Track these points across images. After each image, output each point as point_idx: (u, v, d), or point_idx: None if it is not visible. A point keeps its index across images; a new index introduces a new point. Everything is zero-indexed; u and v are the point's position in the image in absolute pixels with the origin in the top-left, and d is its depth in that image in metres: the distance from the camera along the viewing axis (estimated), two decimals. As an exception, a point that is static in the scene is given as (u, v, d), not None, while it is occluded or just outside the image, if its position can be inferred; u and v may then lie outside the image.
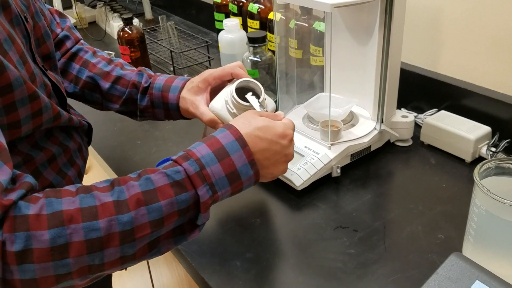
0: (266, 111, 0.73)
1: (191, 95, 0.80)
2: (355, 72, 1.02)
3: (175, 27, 1.36)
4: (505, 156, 0.93)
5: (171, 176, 0.54)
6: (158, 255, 0.56)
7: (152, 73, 0.89)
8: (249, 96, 0.74)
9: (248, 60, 1.24)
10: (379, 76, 0.96)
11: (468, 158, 0.96)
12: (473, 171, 0.67)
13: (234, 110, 0.74)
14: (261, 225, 0.86)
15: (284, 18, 1.21)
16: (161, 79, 0.86)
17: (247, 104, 0.74)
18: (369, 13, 0.93)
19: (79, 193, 0.51)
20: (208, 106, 0.78)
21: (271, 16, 1.37)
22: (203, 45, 1.43)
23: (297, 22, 1.21)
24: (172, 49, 1.37)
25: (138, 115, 0.89)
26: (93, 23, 2.04)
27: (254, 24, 1.43)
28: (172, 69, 1.42)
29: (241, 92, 0.75)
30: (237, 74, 0.80)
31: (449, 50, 1.08)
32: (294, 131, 0.67)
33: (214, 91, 0.81)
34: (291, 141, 0.66)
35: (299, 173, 0.91)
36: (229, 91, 0.75)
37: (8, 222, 0.46)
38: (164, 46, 1.43)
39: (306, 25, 1.21)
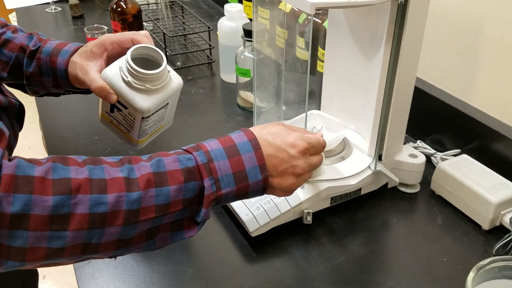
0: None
1: (82, 59, 0.71)
2: (356, 89, 0.80)
3: (170, 5, 1.16)
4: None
5: (183, 162, 0.52)
6: (151, 249, 0.52)
7: (45, 37, 0.79)
8: None
9: (242, 57, 1.04)
10: (381, 100, 0.74)
11: (485, 225, 0.72)
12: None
13: (129, 78, 0.65)
14: (192, 275, 0.66)
15: (297, 9, 1.00)
16: (52, 42, 0.76)
17: (143, 71, 0.65)
18: (378, 19, 0.70)
19: (87, 163, 0.49)
20: (101, 73, 0.69)
21: (281, 5, 1.15)
22: (202, 31, 1.23)
23: (309, 17, 0.99)
24: (165, 32, 1.18)
25: (25, 85, 0.78)
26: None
27: (264, 13, 1.21)
28: (165, 54, 1.23)
29: (142, 62, 0.67)
30: (139, 40, 0.70)
31: (486, 77, 0.83)
32: (310, 146, 0.60)
33: (111, 59, 0.71)
34: (302, 153, 0.59)
35: (256, 215, 0.70)
36: (124, 57, 0.66)
37: (7, 180, 0.43)
38: (158, 27, 1.24)
39: (320, 21, 1.00)
